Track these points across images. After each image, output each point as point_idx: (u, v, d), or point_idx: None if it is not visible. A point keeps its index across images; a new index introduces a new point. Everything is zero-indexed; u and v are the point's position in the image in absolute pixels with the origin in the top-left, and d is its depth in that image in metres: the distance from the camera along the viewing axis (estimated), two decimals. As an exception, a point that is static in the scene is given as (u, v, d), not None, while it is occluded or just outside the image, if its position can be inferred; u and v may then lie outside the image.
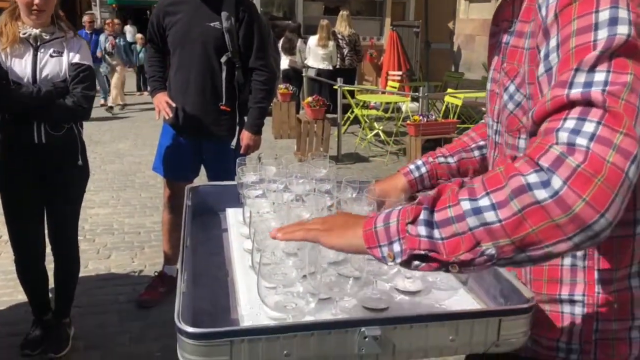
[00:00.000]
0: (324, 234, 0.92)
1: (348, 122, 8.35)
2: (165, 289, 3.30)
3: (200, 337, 0.85)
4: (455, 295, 1.15)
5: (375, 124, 7.95)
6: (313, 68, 8.83)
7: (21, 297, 2.91)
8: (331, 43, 8.84)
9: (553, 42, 0.83)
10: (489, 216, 0.73)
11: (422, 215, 0.79)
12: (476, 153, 1.33)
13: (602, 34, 0.77)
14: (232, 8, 2.94)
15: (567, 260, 0.99)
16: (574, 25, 0.80)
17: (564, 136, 0.72)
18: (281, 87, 8.00)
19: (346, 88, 7.60)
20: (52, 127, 2.47)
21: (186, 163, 3.15)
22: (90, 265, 3.77)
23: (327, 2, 11.97)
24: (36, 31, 2.42)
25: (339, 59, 9.07)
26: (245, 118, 3.10)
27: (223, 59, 2.96)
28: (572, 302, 1.00)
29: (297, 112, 8.06)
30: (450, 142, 1.42)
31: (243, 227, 1.44)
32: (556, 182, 0.69)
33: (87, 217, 4.68)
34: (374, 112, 8.45)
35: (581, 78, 0.76)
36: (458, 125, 6.78)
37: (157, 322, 3.07)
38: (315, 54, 8.86)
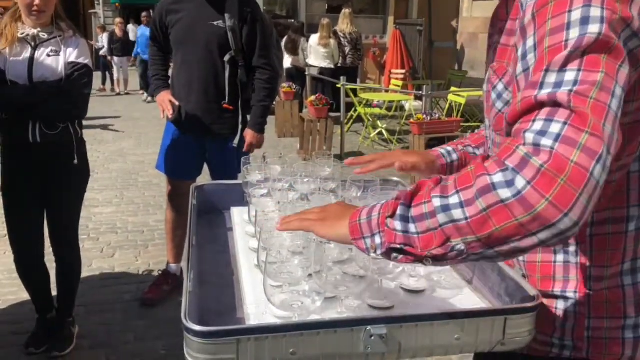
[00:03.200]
0: (317, 224, 0.95)
1: (351, 121, 8.34)
2: (169, 288, 3.30)
3: (207, 335, 0.85)
4: (460, 294, 1.15)
5: (379, 123, 7.94)
6: (315, 67, 8.83)
7: (25, 295, 2.92)
8: (332, 41, 8.83)
9: (530, 42, 0.83)
10: (457, 214, 0.76)
11: (399, 211, 0.82)
12: None
13: (574, 33, 0.77)
14: (236, 7, 2.94)
15: (560, 257, 1.00)
16: (548, 25, 0.80)
17: (530, 137, 0.73)
18: (284, 86, 8.01)
19: (349, 86, 7.59)
20: (47, 126, 2.45)
21: (189, 161, 3.16)
22: (94, 264, 3.78)
23: (330, 1, 11.96)
24: (34, 31, 2.43)
25: (341, 58, 9.06)
26: (248, 116, 3.11)
27: (226, 58, 2.96)
28: (565, 298, 1.01)
29: (300, 110, 8.06)
30: (455, 140, 1.41)
31: (248, 226, 1.44)
32: (520, 182, 0.71)
33: (91, 216, 4.70)
34: (377, 110, 8.44)
35: (551, 78, 0.76)
36: (462, 124, 6.77)
37: (161, 320, 3.07)
38: (316, 53, 8.85)
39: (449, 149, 1.34)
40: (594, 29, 0.76)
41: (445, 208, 0.77)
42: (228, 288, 1.17)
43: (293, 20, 10.29)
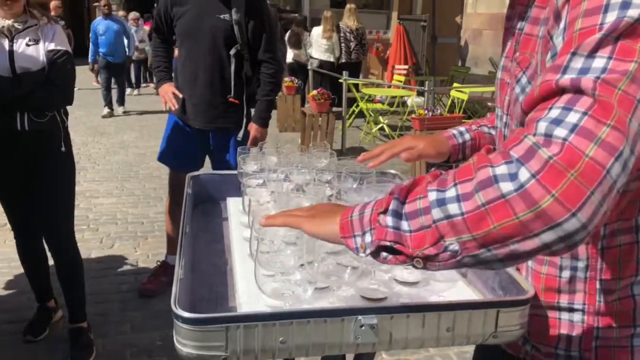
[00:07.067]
0: (305, 221, 0.89)
1: (353, 116, 8.33)
2: (167, 279, 3.30)
3: (196, 322, 0.84)
4: (453, 287, 1.14)
5: (380, 118, 7.92)
6: (315, 59, 8.83)
7: (24, 284, 2.93)
8: (335, 35, 8.83)
9: (561, 25, 0.76)
10: (452, 208, 0.69)
11: (392, 205, 0.75)
12: None
13: (611, 16, 0.69)
14: (242, 0, 2.92)
15: (566, 273, 0.96)
16: (583, 5, 0.72)
17: (542, 126, 0.65)
18: (286, 80, 7.99)
19: (351, 81, 7.58)
20: (35, 114, 2.41)
21: (192, 154, 3.15)
22: (93, 254, 3.79)
23: (333, -5, 11.93)
24: (9, 22, 2.36)
25: (345, 53, 9.05)
26: (252, 110, 3.10)
27: (232, 52, 2.95)
28: (571, 310, 0.97)
29: (302, 105, 8.05)
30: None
31: (243, 216, 1.44)
32: (524, 174, 0.64)
33: (91, 207, 4.70)
34: (379, 105, 8.42)
35: (578, 63, 0.69)
36: (463, 120, 6.74)
37: (158, 311, 3.08)
38: (318, 45, 8.86)
39: (462, 129, 1.29)
40: (633, 13, 0.68)
41: (441, 202, 0.70)
42: (220, 277, 1.17)
43: (297, 14, 10.27)
